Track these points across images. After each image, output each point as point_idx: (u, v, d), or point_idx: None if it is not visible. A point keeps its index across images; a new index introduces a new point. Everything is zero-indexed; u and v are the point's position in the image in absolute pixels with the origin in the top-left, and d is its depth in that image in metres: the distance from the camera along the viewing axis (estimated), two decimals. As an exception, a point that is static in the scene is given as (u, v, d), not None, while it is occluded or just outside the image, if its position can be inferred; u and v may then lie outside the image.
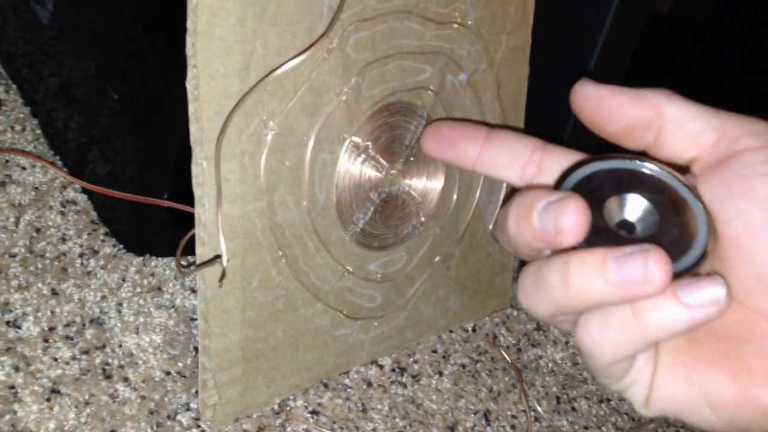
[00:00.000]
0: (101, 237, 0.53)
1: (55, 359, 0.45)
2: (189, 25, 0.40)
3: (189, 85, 0.41)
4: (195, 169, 0.42)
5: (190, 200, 0.52)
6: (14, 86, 0.63)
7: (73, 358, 0.45)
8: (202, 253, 0.43)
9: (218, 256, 0.42)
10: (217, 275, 0.43)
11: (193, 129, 0.42)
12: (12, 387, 0.42)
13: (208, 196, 0.43)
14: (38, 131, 0.59)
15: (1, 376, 0.42)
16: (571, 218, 0.26)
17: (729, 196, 0.29)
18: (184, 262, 0.54)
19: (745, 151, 0.30)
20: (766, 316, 0.29)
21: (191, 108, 0.41)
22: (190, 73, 0.41)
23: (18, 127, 0.59)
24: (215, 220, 0.43)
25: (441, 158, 0.42)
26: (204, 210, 0.43)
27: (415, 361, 0.56)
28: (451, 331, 0.60)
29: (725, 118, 0.32)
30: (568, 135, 0.68)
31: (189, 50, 0.41)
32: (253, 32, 0.42)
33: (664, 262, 0.26)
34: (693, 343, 0.30)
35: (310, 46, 0.44)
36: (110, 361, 0.46)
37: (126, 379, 0.45)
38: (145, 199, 0.52)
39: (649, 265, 0.25)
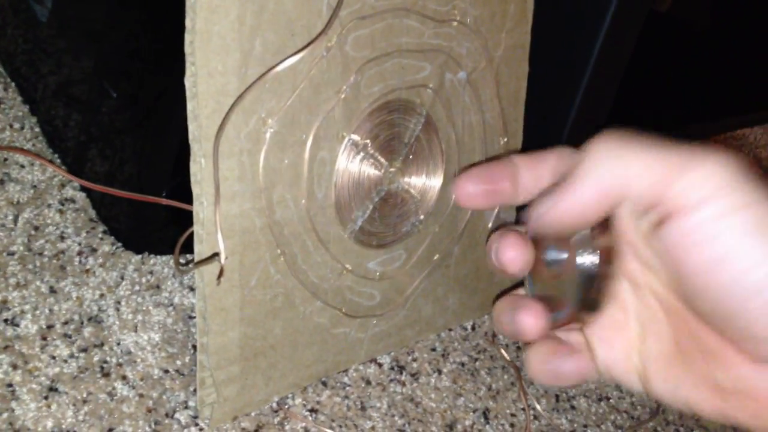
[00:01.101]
0: (100, 235, 0.53)
1: (53, 357, 0.45)
2: (187, 22, 0.40)
3: (187, 82, 0.41)
4: (193, 167, 0.42)
5: (188, 198, 0.52)
6: (13, 84, 0.63)
7: (71, 356, 0.45)
8: (200, 251, 0.43)
9: (216, 254, 0.42)
10: (215, 273, 0.43)
11: (192, 127, 0.42)
12: (10, 385, 0.42)
13: (206, 194, 0.42)
14: (37, 129, 0.59)
15: (1, 374, 0.42)
16: (528, 326, 0.35)
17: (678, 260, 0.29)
18: (182, 260, 0.54)
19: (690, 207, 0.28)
20: (734, 343, 0.30)
21: (190, 106, 0.41)
22: (189, 70, 0.41)
23: (17, 125, 0.59)
24: (213, 218, 0.43)
25: (477, 206, 0.41)
26: (202, 208, 0.43)
27: (414, 360, 0.56)
28: (450, 330, 0.60)
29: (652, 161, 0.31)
30: (567, 133, 0.67)
31: (187, 48, 0.41)
32: (252, 30, 0.42)
33: (534, 317, 0.35)
34: (683, 355, 0.32)
35: (308, 44, 0.44)
36: (108, 359, 0.46)
37: (124, 378, 0.45)
38: (143, 197, 0.52)
39: (521, 319, 0.35)
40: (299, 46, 0.44)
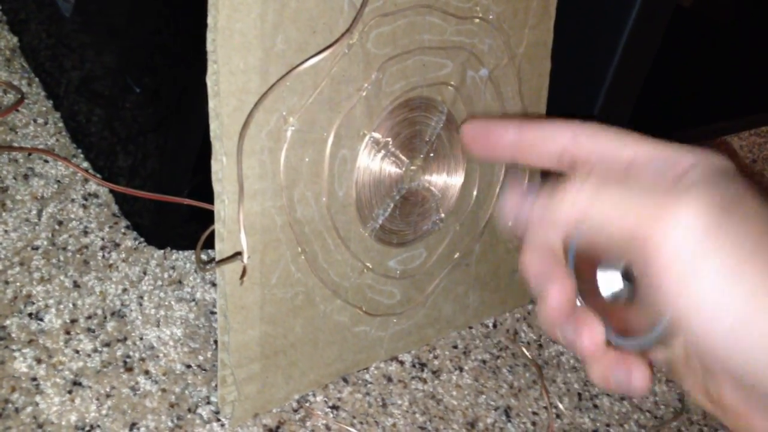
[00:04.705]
0: (122, 230, 0.54)
1: (77, 351, 0.45)
2: (209, 20, 0.40)
3: (209, 80, 0.41)
4: (215, 165, 0.42)
5: (210, 195, 0.53)
6: (37, 79, 0.63)
7: (95, 350, 0.46)
8: (221, 249, 0.43)
9: (239, 253, 0.42)
10: (237, 272, 0.43)
11: (213, 125, 0.42)
12: (34, 379, 0.43)
13: (227, 192, 0.43)
14: (60, 124, 0.60)
15: (24, 368, 0.43)
16: (588, 341, 0.33)
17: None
18: (204, 257, 0.54)
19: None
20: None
21: (211, 104, 0.41)
22: (211, 68, 0.41)
23: (41, 120, 0.59)
24: (235, 216, 0.43)
25: (480, 150, 0.41)
26: (224, 206, 0.43)
27: (436, 357, 0.56)
28: (471, 328, 0.59)
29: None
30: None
31: (209, 46, 0.41)
32: (274, 27, 0.42)
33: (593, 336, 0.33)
34: (709, 375, 0.31)
35: (332, 44, 0.44)
36: (131, 353, 0.46)
37: (147, 372, 0.46)
38: (164, 197, 0.52)
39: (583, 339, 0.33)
40: (321, 43, 0.44)
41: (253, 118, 0.42)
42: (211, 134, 0.42)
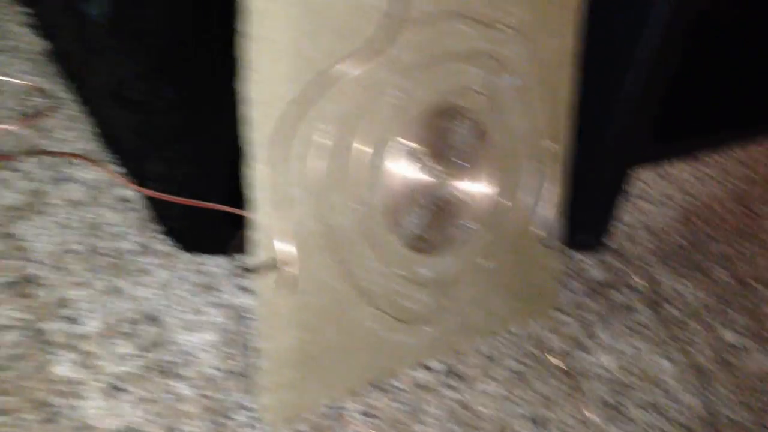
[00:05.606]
0: (155, 235, 0.54)
1: (116, 356, 0.46)
2: (243, 28, 0.41)
3: (242, 88, 0.41)
4: (249, 173, 0.43)
5: (242, 202, 0.53)
6: (68, 85, 0.64)
7: (133, 354, 0.46)
8: (256, 256, 0.43)
9: (275, 261, 0.42)
10: (272, 279, 0.43)
11: (247, 132, 0.42)
12: (75, 382, 0.43)
13: (262, 199, 0.43)
14: (92, 129, 0.60)
15: (66, 372, 0.44)
16: None
17: None
18: (236, 263, 0.55)
19: None
20: None
21: (245, 111, 0.42)
22: (244, 75, 0.41)
23: (73, 125, 0.60)
24: (269, 223, 0.44)
25: None
26: (258, 213, 0.43)
27: (466, 365, 0.56)
28: (499, 335, 0.60)
29: None
30: (610, 138, 0.66)
31: (243, 53, 0.41)
32: (306, 36, 0.42)
33: None
34: None
35: (361, 50, 0.44)
36: (168, 358, 0.47)
37: (183, 377, 0.46)
38: (196, 202, 0.53)
39: None
40: (351, 50, 0.44)
41: (286, 125, 0.43)
42: (245, 141, 0.42)
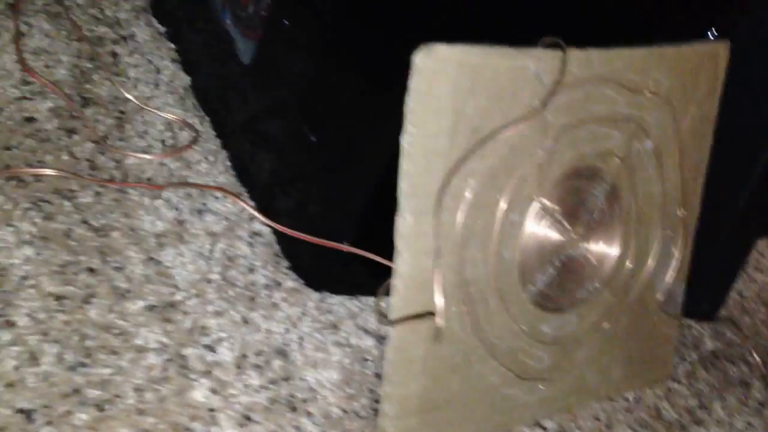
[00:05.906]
0: (284, 270, 0.56)
1: (247, 386, 0.47)
2: (409, 84, 0.42)
3: (404, 141, 0.43)
4: (399, 222, 0.44)
5: (369, 246, 0.54)
6: (207, 118, 0.67)
7: (263, 387, 0.48)
8: (396, 303, 0.44)
9: (431, 313, 0.43)
10: (411, 328, 0.44)
11: (402, 183, 0.43)
12: (211, 409, 0.45)
13: (408, 248, 0.44)
14: (229, 163, 0.63)
15: (201, 398, 0.45)
16: None
17: None
18: (359, 303, 0.56)
19: None
20: None
21: (402, 163, 0.43)
22: (406, 129, 0.43)
23: (211, 158, 0.63)
24: (410, 272, 0.44)
25: None
26: (402, 261, 0.44)
27: (579, 428, 0.55)
28: (612, 400, 0.59)
29: None
30: (744, 203, 0.65)
31: (406, 108, 0.43)
32: (466, 94, 0.44)
33: None
34: None
35: (522, 118, 0.45)
36: (294, 393, 0.48)
37: (309, 413, 0.48)
38: (325, 242, 0.54)
39: None
40: (505, 110, 0.45)
41: (439, 179, 0.44)
42: (399, 192, 0.44)
